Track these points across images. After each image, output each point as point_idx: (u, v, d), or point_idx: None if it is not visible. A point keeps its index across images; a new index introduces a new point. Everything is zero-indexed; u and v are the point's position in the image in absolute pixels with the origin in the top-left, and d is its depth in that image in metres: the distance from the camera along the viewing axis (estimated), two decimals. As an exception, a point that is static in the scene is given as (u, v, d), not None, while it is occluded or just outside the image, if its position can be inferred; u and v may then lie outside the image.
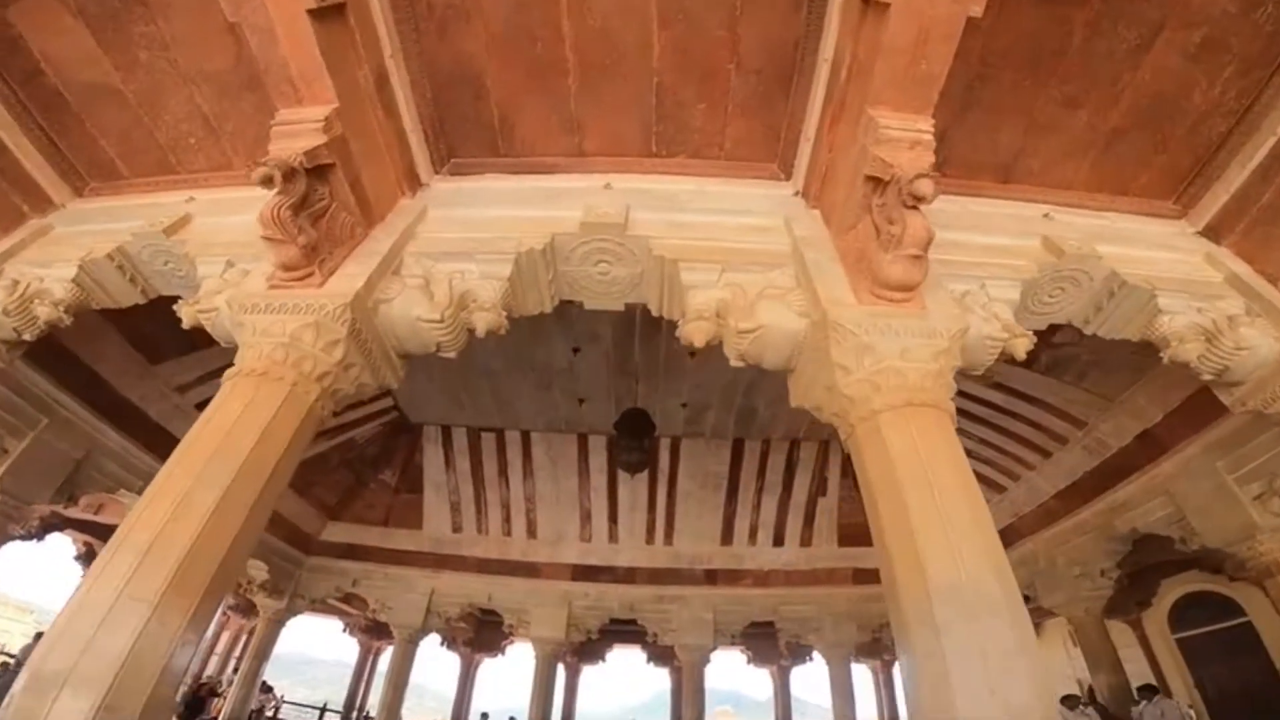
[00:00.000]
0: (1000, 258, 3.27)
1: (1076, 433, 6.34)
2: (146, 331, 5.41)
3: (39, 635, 10.33)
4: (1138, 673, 10.40)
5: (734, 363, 3.13)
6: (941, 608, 1.97)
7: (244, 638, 12.71)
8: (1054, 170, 3.57)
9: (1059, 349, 5.82)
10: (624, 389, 7.62)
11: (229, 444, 2.47)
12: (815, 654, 14.06)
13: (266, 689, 10.78)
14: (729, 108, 3.38)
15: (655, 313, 3.53)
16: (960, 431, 7.01)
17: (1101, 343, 5.60)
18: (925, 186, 2.47)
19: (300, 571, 9.05)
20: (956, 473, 2.36)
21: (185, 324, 3.26)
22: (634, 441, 6.54)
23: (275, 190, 2.69)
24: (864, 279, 2.85)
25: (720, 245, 3.24)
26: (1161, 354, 3.35)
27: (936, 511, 2.20)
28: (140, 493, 4.41)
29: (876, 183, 2.75)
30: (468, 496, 9.29)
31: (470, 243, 3.32)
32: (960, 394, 6.73)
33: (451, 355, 3.25)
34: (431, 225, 3.52)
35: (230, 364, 2.87)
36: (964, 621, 1.94)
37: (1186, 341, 3.20)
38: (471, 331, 3.23)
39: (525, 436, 8.90)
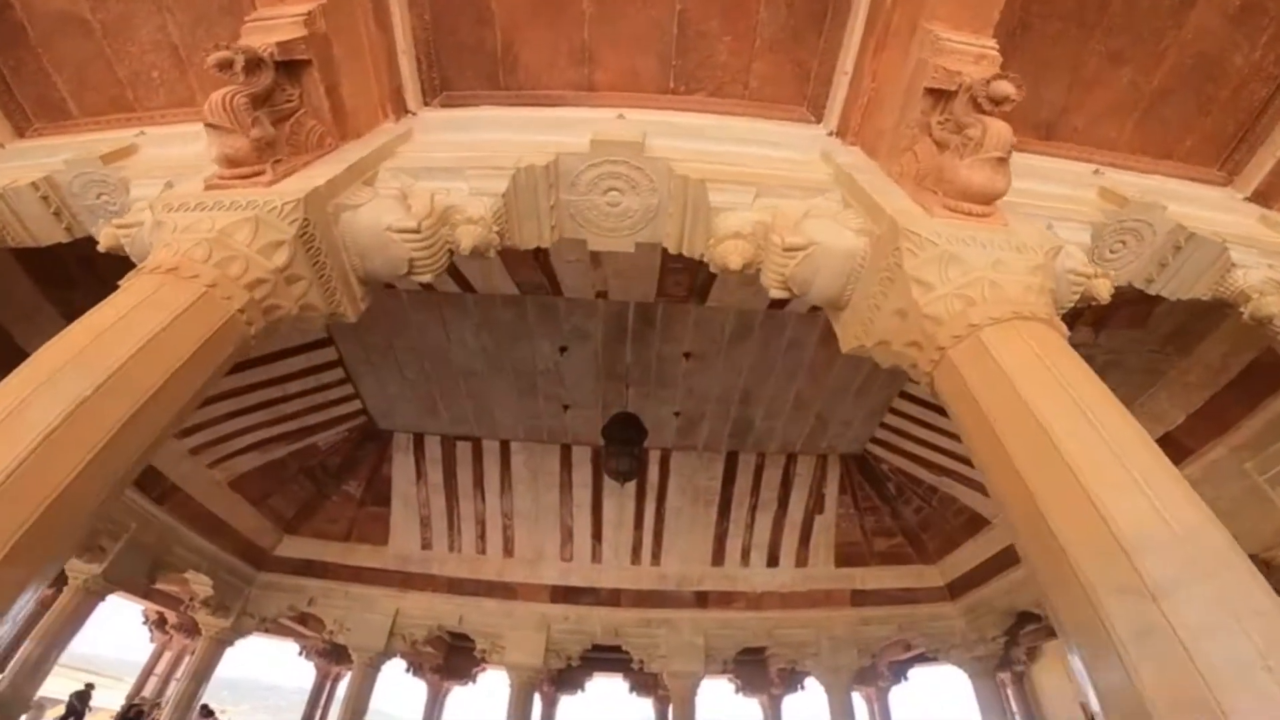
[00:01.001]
0: (1063, 203, 3.04)
1: (1096, 443, 6.18)
2: (63, 276, 4.99)
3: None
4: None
5: (774, 292, 2.82)
6: (1153, 563, 1.48)
7: (187, 659, 12.07)
8: (1098, 129, 3.42)
9: (1076, 350, 5.68)
10: (613, 395, 7.36)
11: (97, 348, 1.91)
12: (808, 681, 14.08)
13: (207, 712, 10.23)
14: (756, 42, 3.16)
15: (674, 249, 3.16)
16: (951, 454, 6.80)
17: (1118, 342, 5.56)
18: (1005, 87, 2.27)
19: (250, 589, 8.61)
20: (1102, 392, 1.94)
21: (101, 246, 2.78)
22: (624, 448, 6.25)
23: (234, 77, 2.34)
24: (930, 197, 2.57)
25: (752, 170, 2.91)
26: (1241, 309, 3.10)
27: (1098, 437, 1.74)
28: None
29: (938, 97, 2.54)
30: (439, 510, 8.93)
31: (460, 160, 2.91)
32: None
33: (426, 279, 2.81)
34: (416, 146, 3.15)
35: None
36: (1196, 580, 1.45)
37: (1267, 295, 2.97)
38: (453, 252, 2.81)
39: (504, 446, 8.59)
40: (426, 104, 3.45)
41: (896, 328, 2.49)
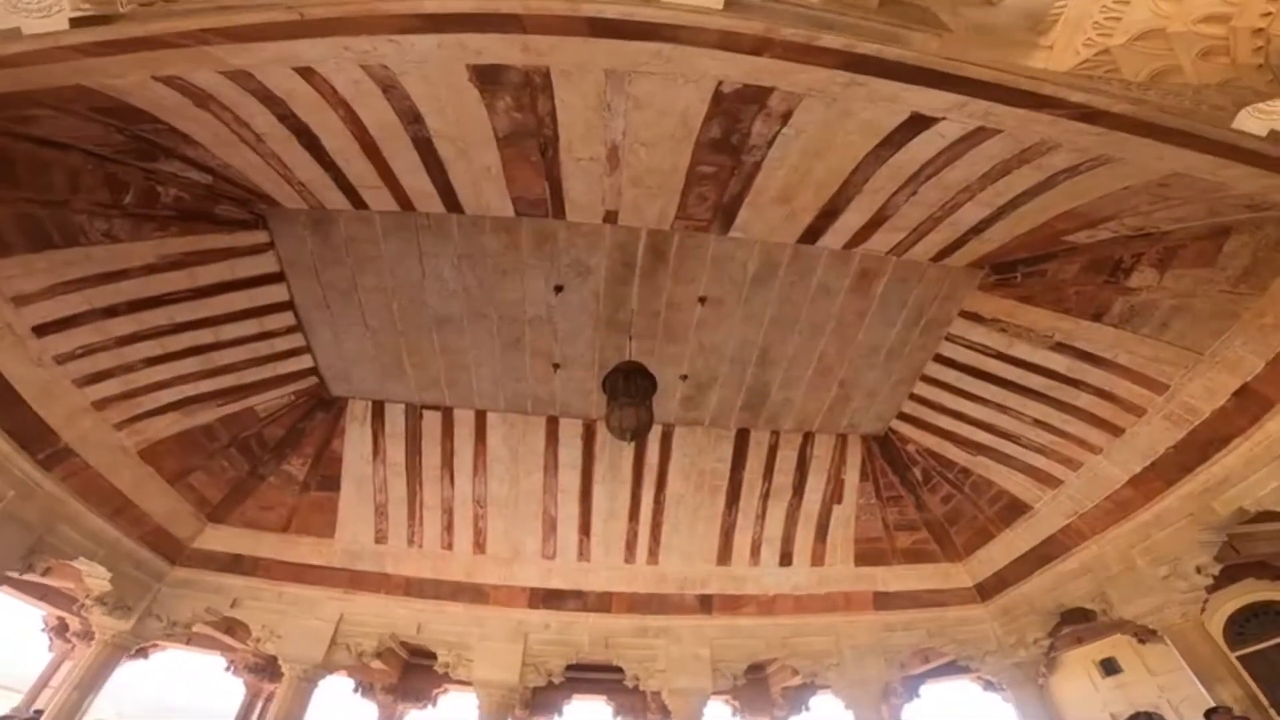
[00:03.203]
0: None
1: (1156, 399, 6.01)
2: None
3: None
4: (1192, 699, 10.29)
5: None
6: None
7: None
8: None
9: (1135, 295, 5.61)
10: (612, 352, 6.99)
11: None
12: (814, 701, 13.64)
13: None
14: None
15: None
16: (1008, 410, 6.67)
17: (1186, 284, 5.47)
18: None
19: (160, 586, 7.81)
20: None
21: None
22: (632, 398, 5.81)
23: None
24: None
25: None
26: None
27: None
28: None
29: None
30: (398, 496, 8.31)
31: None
32: (1013, 361, 6.44)
33: None
34: None
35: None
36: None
37: None
38: None
39: (480, 418, 8.07)
40: None
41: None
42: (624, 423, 5.83)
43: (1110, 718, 12.12)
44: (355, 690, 13.43)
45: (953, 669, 12.07)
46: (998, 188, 5.04)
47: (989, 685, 13.97)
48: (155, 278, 5.78)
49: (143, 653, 13.15)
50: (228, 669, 12.70)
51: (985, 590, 8.59)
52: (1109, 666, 12.37)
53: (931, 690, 13.11)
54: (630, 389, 5.98)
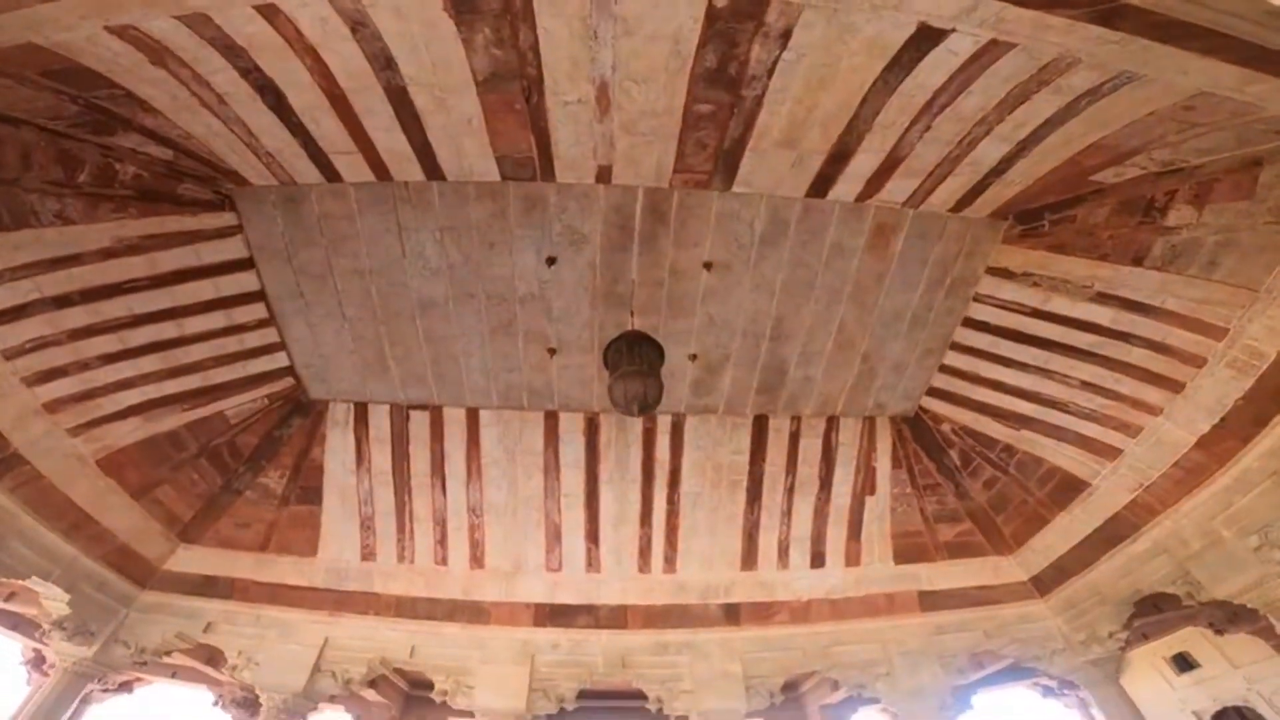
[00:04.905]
0: None
1: (1216, 345, 5.92)
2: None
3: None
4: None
5: None
6: None
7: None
8: None
9: (1175, 234, 5.61)
10: (612, 328, 6.98)
11: None
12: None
13: None
14: None
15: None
16: (1052, 374, 6.61)
17: (1227, 219, 5.47)
18: None
19: (127, 611, 7.77)
20: None
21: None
22: (638, 366, 5.80)
23: None
24: None
25: None
26: None
27: None
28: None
29: None
30: (385, 508, 8.27)
31: None
32: (1051, 318, 6.40)
33: None
34: None
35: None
36: None
37: None
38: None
39: (472, 417, 8.05)
40: None
41: None
42: (629, 393, 5.77)
43: (1194, 716, 11.91)
44: None
45: (1008, 675, 11.92)
46: (1017, 117, 5.08)
47: (1048, 691, 13.76)
48: (112, 263, 5.81)
49: (126, 687, 13.17)
50: (215, 703, 12.65)
51: (1043, 583, 8.45)
52: (1182, 663, 12.17)
53: (984, 700, 12.78)
54: (635, 358, 6.00)
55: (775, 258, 6.57)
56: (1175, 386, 6.34)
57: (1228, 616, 10.13)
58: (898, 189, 5.94)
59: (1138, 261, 5.83)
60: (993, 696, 13.06)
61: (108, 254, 5.76)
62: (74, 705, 9.78)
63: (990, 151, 5.46)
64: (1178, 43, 3.97)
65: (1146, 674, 12.12)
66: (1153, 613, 9.05)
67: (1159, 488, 6.85)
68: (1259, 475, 6.00)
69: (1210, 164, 5.12)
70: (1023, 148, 5.37)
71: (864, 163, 5.65)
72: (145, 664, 8.19)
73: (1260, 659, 10.55)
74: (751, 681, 8.05)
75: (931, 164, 5.65)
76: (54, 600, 6.96)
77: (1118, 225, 5.79)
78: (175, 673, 12.05)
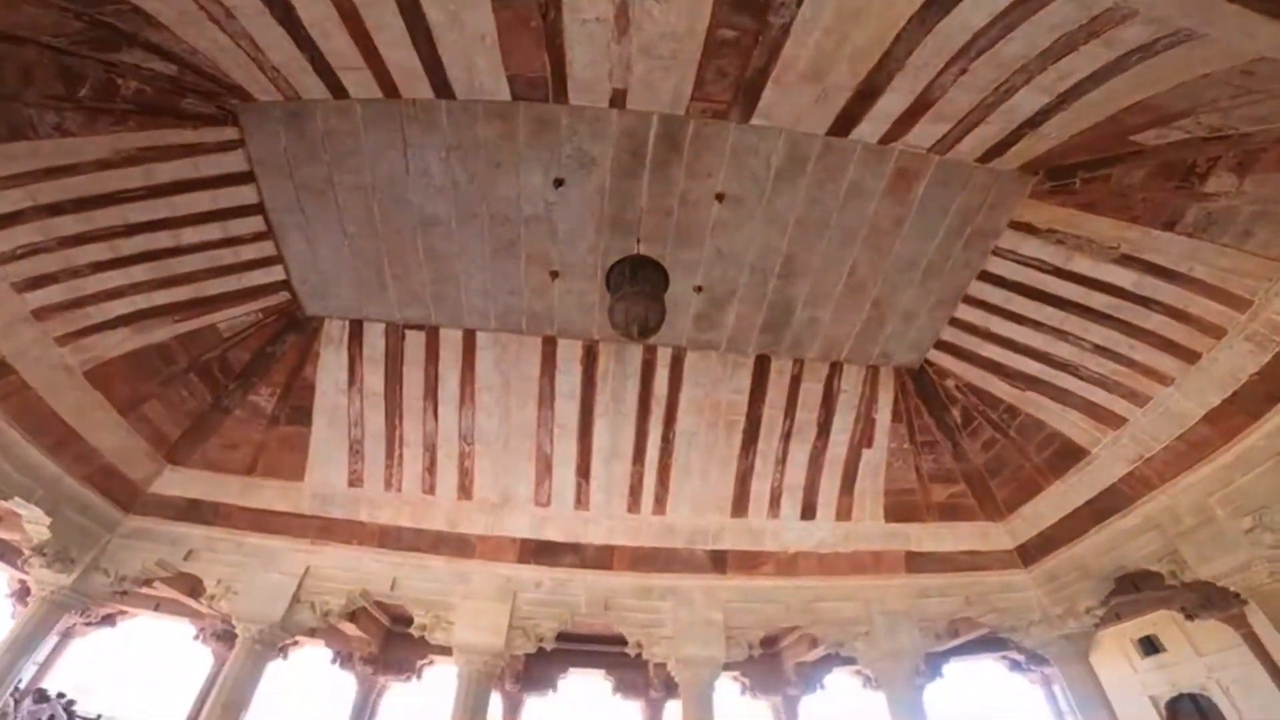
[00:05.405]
0: None
1: (1238, 318, 5.92)
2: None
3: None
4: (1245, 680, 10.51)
5: None
6: None
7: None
8: None
9: (1212, 201, 5.54)
10: (617, 255, 6.92)
11: None
12: (829, 680, 13.87)
13: (42, 698, 9.29)
14: None
15: None
16: (1065, 335, 6.60)
17: (1269, 189, 5.40)
18: None
19: (110, 536, 7.81)
20: None
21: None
22: (640, 287, 5.80)
23: None
24: None
25: None
26: None
27: None
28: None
29: None
30: (375, 431, 8.34)
31: None
32: (1072, 277, 6.37)
33: None
34: None
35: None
36: None
37: None
38: None
39: (469, 338, 8.05)
40: None
41: None
42: (630, 314, 5.78)
43: (1150, 701, 12.33)
44: (333, 661, 13.63)
45: (978, 646, 12.26)
46: (1060, 68, 4.94)
47: (1015, 665, 14.25)
48: (108, 174, 5.79)
49: (109, 620, 13.48)
50: (196, 637, 12.90)
51: (1028, 553, 8.61)
52: (1149, 646, 12.57)
53: (955, 669, 13.21)
54: (639, 281, 6.00)
55: (790, 194, 6.50)
56: (1190, 356, 6.36)
57: (1201, 601, 10.45)
58: (925, 133, 5.84)
59: (1169, 226, 5.78)
60: (962, 666, 13.49)
61: (104, 165, 5.72)
62: (54, 638, 10.05)
63: (1027, 102, 5.33)
64: (1247, 2, 3.84)
65: (1112, 654, 12.50)
66: (1130, 591, 9.25)
67: (1159, 460, 6.92)
68: (1263, 454, 6.03)
69: (1260, 133, 5.02)
70: (1063, 100, 5.23)
71: (892, 103, 5.53)
72: (126, 593, 8.31)
73: (1225, 647, 10.89)
74: (732, 632, 8.19)
75: (963, 110, 5.53)
76: (36, 524, 6.97)
77: (1153, 188, 5.70)
78: (158, 605, 12.31)
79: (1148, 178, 5.69)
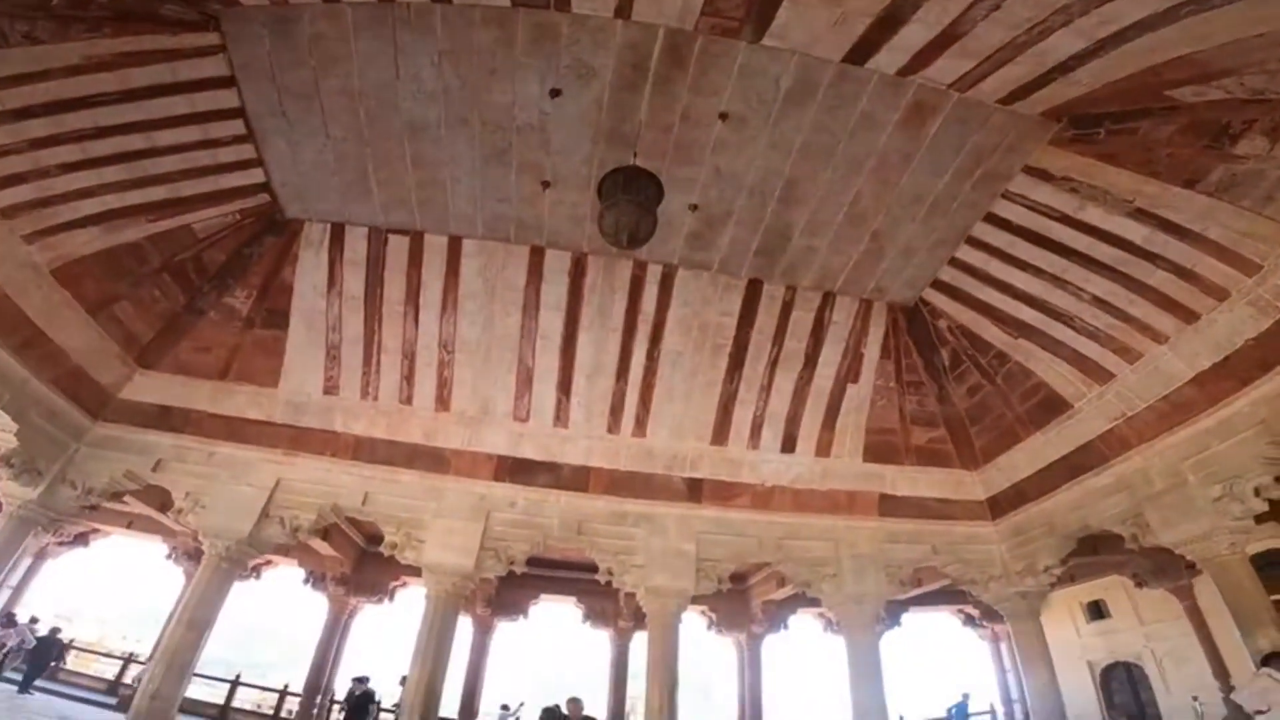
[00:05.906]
0: None
1: (1244, 281, 5.94)
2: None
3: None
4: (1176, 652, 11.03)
5: None
6: None
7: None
8: None
9: (1240, 163, 5.45)
10: (612, 166, 6.76)
11: None
12: (793, 620, 14.50)
13: (8, 621, 9.56)
14: None
15: None
16: (1066, 284, 6.55)
17: None
18: None
19: (77, 445, 7.73)
20: None
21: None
22: (633, 196, 5.77)
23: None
24: None
25: None
26: None
27: None
28: None
29: None
30: (353, 336, 8.28)
31: None
32: (1081, 226, 6.28)
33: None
34: None
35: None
36: None
37: None
38: None
39: (454, 245, 7.95)
40: None
41: None
42: (621, 222, 5.75)
43: (1087, 666, 13.04)
44: (306, 581, 13.89)
45: (937, 597, 12.62)
46: (1104, 13, 4.75)
47: (969, 620, 14.94)
48: (80, 79, 5.63)
49: (82, 539, 13.53)
50: (168, 556, 13.05)
51: (998, 505, 8.83)
52: (1095, 611, 13.18)
53: (912, 620, 13.87)
54: (633, 190, 5.93)
55: (797, 119, 6.34)
56: (1189, 316, 6.40)
57: (1153, 568, 10.93)
58: (947, 69, 5.65)
59: (1190, 184, 5.71)
60: (920, 617, 14.14)
61: (76, 70, 5.57)
62: (22, 556, 10.03)
63: (1063, 45, 5.14)
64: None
65: (1060, 616, 12.98)
66: (1088, 554, 9.47)
67: (1140, 420, 7.05)
68: (1245, 422, 6.13)
69: (1296, 100, 4.88)
70: (1101, 47, 5.06)
71: (915, 34, 5.32)
72: (94, 507, 8.27)
73: (1166, 619, 11.45)
74: (703, 564, 8.33)
75: (992, 47, 5.33)
76: (3, 431, 6.89)
77: (1180, 145, 5.60)
78: (130, 522, 12.37)
79: (1177, 134, 5.57)
